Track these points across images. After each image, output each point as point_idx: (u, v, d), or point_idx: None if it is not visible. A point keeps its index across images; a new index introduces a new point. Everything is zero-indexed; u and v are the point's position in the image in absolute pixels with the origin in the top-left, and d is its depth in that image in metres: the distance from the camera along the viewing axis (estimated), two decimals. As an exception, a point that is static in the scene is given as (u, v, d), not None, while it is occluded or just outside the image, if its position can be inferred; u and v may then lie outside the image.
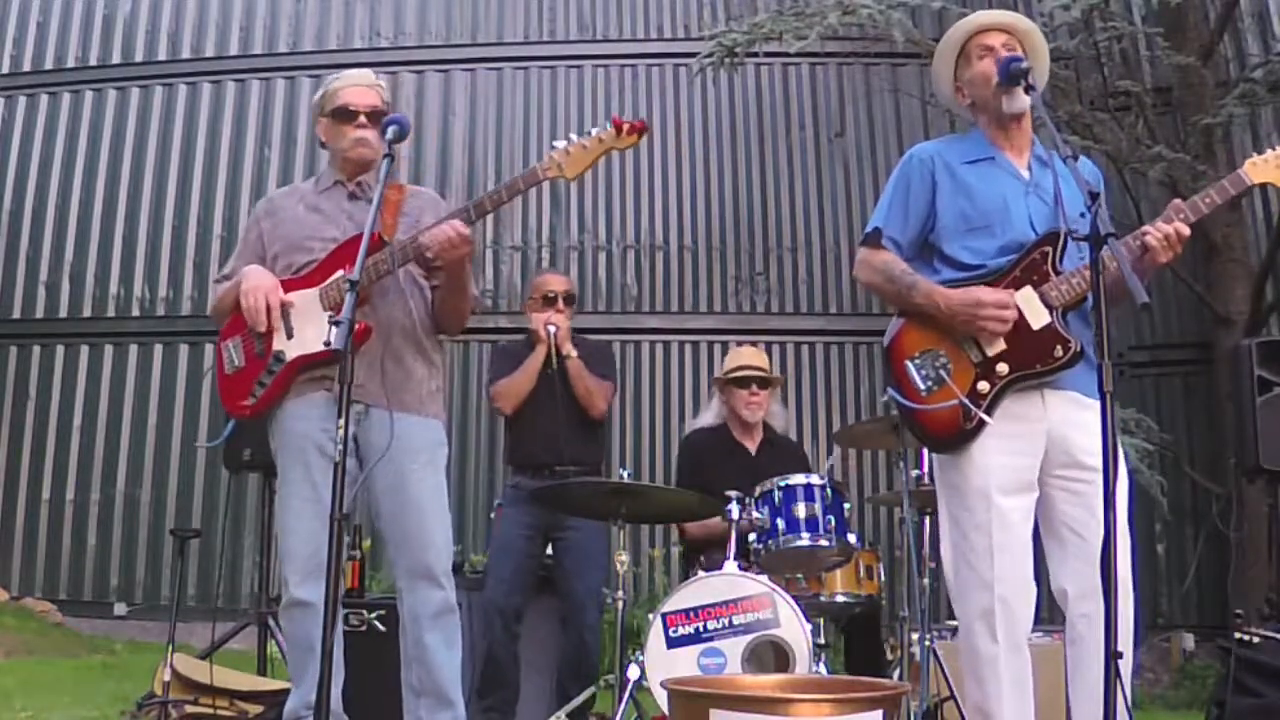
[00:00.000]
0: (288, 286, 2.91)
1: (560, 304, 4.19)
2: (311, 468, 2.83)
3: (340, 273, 2.84)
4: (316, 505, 2.77)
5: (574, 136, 2.79)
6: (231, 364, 2.98)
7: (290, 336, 2.88)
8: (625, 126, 2.75)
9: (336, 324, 2.37)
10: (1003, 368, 2.55)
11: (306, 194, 3.09)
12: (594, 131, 2.78)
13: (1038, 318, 2.55)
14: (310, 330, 2.83)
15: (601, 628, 5.49)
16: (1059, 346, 2.53)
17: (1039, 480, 2.58)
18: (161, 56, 8.36)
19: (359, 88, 3.03)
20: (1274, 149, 2.66)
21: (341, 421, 2.38)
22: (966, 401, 2.54)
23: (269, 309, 2.84)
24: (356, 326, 2.78)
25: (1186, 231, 2.50)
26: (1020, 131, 2.72)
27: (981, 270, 2.62)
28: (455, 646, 2.91)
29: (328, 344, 2.46)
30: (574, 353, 4.14)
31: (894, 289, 2.68)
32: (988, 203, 2.65)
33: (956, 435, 2.56)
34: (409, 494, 2.87)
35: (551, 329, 4.09)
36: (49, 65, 8.44)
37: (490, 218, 7.57)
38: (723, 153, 7.85)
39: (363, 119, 2.99)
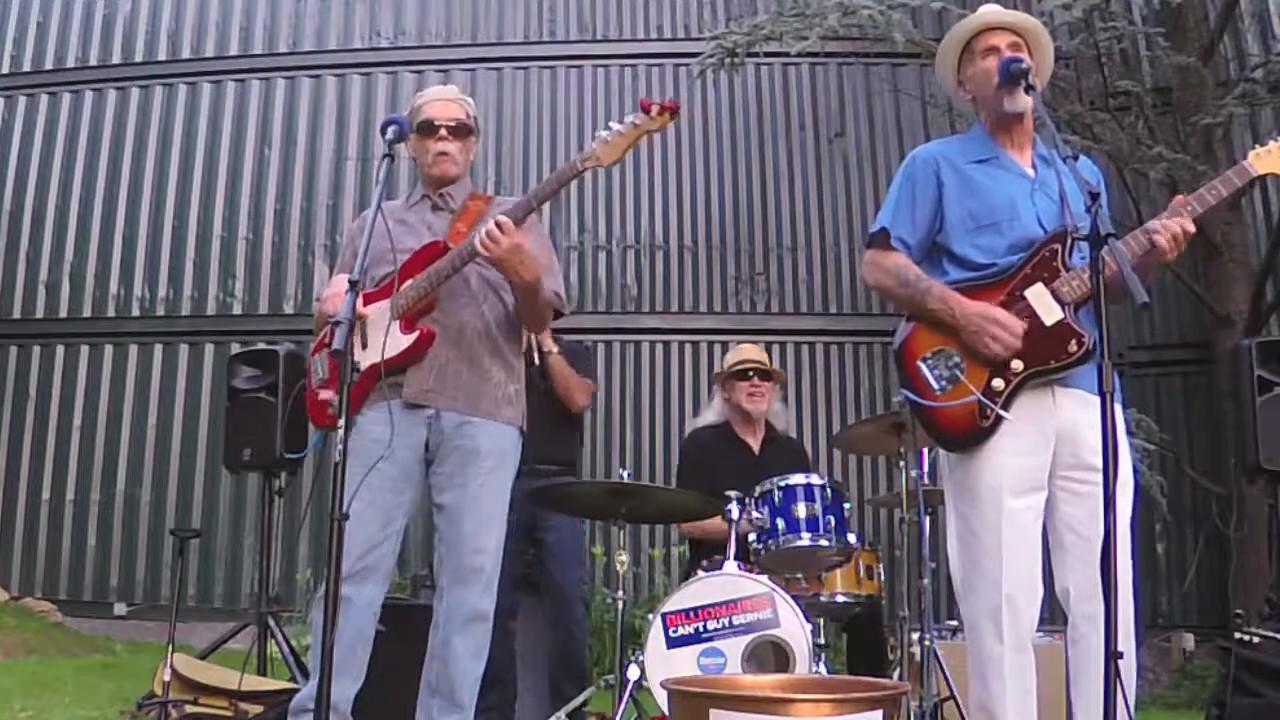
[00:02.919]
0: (367, 299, 2.94)
1: None
2: (377, 471, 2.83)
3: (409, 281, 2.88)
4: (372, 508, 2.79)
5: (614, 125, 2.80)
6: (318, 377, 3.05)
7: (365, 346, 2.90)
8: (655, 108, 2.74)
9: (337, 324, 2.37)
10: (1017, 364, 2.55)
11: (396, 209, 3.12)
12: (629, 119, 2.78)
13: (1050, 314, 2.55)
14: (382, 339, 2.86)
15: (601, 627, 5.51)
16: (1073, 341, 2.53)
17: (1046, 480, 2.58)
18: (161, 56, 8.38)
19: (442, 102, 3.08)
20: (1276, 140, 2.67)
21: (342, 422, 2.38)
22: (983, 398, 2.53)
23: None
24: (420, 331, 2.86)
25: (1192, 229, 2.51)
26: (1022, 130, 2.72)
27: (992, 269, 2.62)
28: (481, 656, 2.92)
29: (328, 344, 2.46)
30: (555, 349, 4.16)
31: (907, 293, 2.67)
32: (995, 200, 2.64)
33: (973, 433, 2.56)
34: (469, 498, 2.88)
35: None
36: (49, 65, 8.45)
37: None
38: (723, 153, 7.85)
39: (444, 132, 3.03)
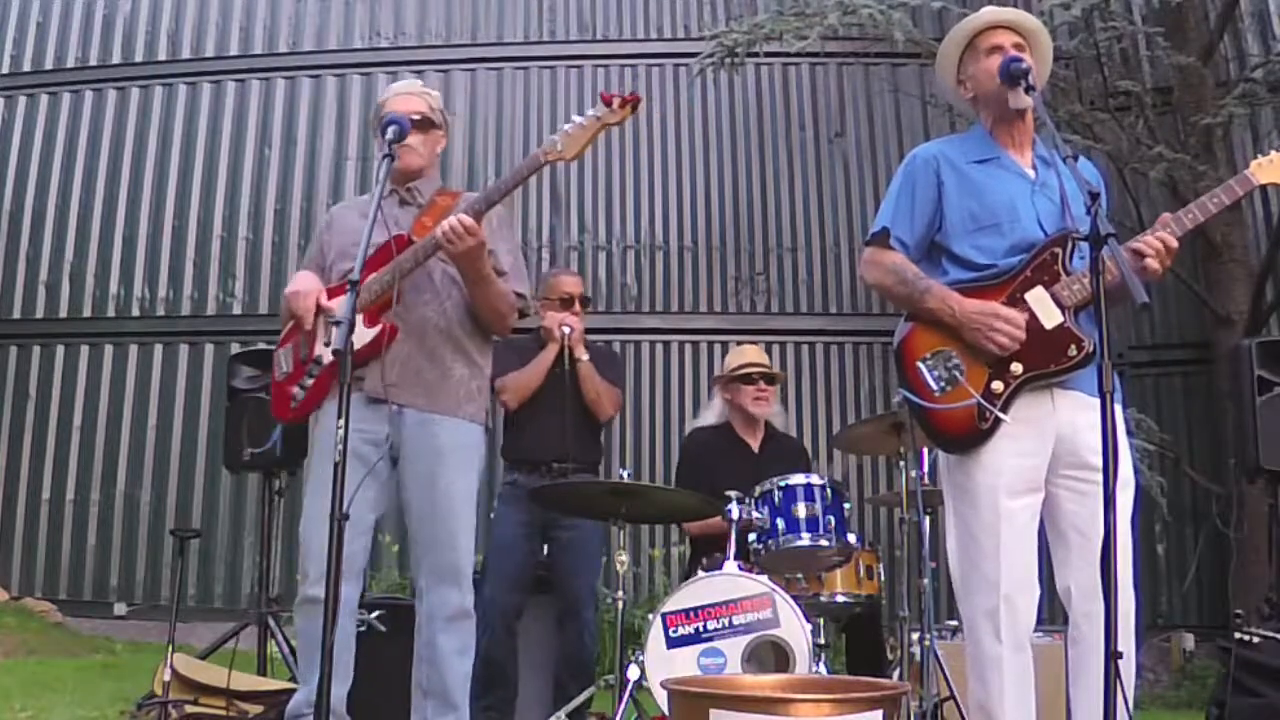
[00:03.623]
0: (332, 294, 2.98)
1: (576, 305, 4.20)
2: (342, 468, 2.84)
3: (373, 275, 2.89)
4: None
5: (575, 118, 2.80)
6: (281, 371, 3.08)
7: (329, 342, 2.91)
8: (616, 100, 2.75)
9: (336, 324, 2.38)
10: (1017, 367, 2.55)
11: (363, 204, 3.15)
12: (590, 111, 2.79)
13: (1050, 318, 2.55)
14: None
15: (601, 627, 5.50)
16: (1073, 345, 2.53)
17: (1045, 480, 2.58)
18: (161, 56, 8.37)
19: (403, 96, 3.10)
20: (1277, 149, 2.68)
21: (341, 421, 2.39)
22: (983, 401, 2.53)
23: (306, 309, 2.93)
24: (383, 327, 2.86)
25: (1173, 242, 2.53)
26: (1023, 130, 2.73)
27: (992, 270, 2.62)
28: (468, 653, 2.93)
29: (327, 343, 2.48)
30: (585, 355, 4.13)
31: (906, 291, 2.67)
32: (996, 202, 2.65)
33: (971, 435, 2.56)
34: (437, 495, 2.89)
35: (566, 330, 4.08)
36: (49, 65, 8.44)
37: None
38: (723, 153, 7.85)
39: None
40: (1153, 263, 2.51)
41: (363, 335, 2.85)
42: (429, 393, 2.91)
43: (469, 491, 2.96)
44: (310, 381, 2.97)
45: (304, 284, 2.99)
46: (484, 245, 2.82)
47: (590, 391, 4.11)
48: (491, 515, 4.55)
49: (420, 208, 3.04)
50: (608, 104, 2.75)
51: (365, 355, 2.85)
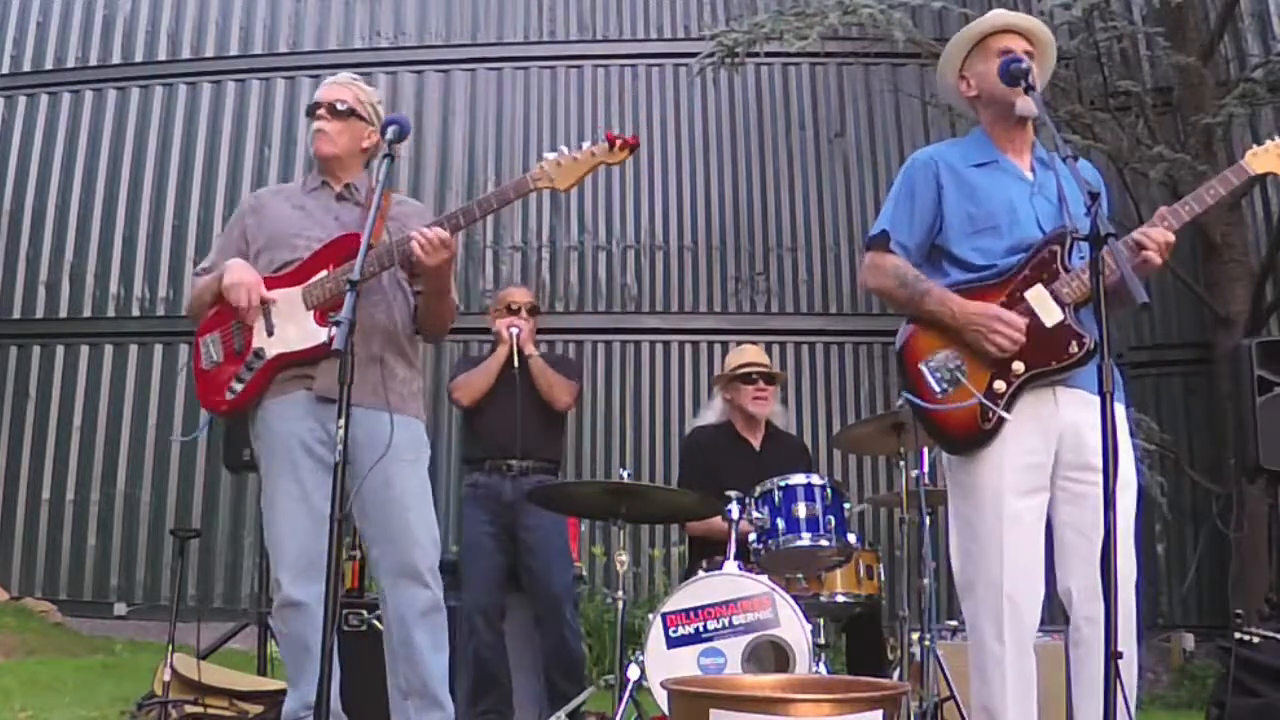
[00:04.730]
0: (269, 284, 2.90)
1: (524, 314, 4.31)
2: (298, 466, 2.83)
3: (324, 272, 2.85)
4: (304, 504, 2.79)
5: (565, 148, 2.78)
6: (209, 359, 2.96)
7: (270, 334, 2.87)
8: (618, 142, 2.73)
9: (337, 324, 2.37)
10: (1018, 366, 2.55)
11: (293, 193, 3.10)
12: (586, 145, 2.77)
13: (1050, 315, 2.55)
14: (291, 329, 2.85)
15: (601, 627, 5.50)
16: (1074, 342, 2.53)
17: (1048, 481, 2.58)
18: (161, 56, 8.37)
19: (330, 85, 3.06)
20: (1273, 139, 2.68)
21: (342, 421, 2.38)
22: (985, 400, 2.53)
23: (251, 304, 2.84)
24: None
25: (1171, 238, 2.54)
26: (1022, 134, 2.73)
27: (991, 270, 2.62)
28: (443, 648, 2.90)
29: (328, 344, 2.46)
30: (535, 351, 4.26)
31: (906, 294, 2.67)
32: (994, 204, 2.65)
33: (975, 436, 2.56)
34: (392, 493, 2.85)
35: (514, 330, 4.22)
36: (49, 65, 8.44)
37: (490, 218, 7.57)
38: (723, 153, 7.85)
39: (321, 112, 3.00)
40: (1153, 255, 2.51)
41: (314, 334, 2.81)
42: (376, 392, 2.85)
43: (422, 487, 2.93)
44: (249, 375, 2.89)
45: (243, 274, 2.89)
46: (454, 259, 2.82)
47: (543, 384, 4.22)
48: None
49: (359, 205, 2.98)
50: (610, 143, 2.74)
51: (315, 354, 2.81)
